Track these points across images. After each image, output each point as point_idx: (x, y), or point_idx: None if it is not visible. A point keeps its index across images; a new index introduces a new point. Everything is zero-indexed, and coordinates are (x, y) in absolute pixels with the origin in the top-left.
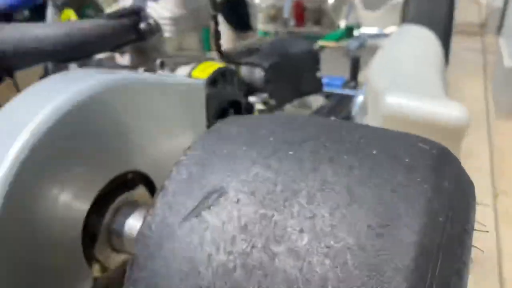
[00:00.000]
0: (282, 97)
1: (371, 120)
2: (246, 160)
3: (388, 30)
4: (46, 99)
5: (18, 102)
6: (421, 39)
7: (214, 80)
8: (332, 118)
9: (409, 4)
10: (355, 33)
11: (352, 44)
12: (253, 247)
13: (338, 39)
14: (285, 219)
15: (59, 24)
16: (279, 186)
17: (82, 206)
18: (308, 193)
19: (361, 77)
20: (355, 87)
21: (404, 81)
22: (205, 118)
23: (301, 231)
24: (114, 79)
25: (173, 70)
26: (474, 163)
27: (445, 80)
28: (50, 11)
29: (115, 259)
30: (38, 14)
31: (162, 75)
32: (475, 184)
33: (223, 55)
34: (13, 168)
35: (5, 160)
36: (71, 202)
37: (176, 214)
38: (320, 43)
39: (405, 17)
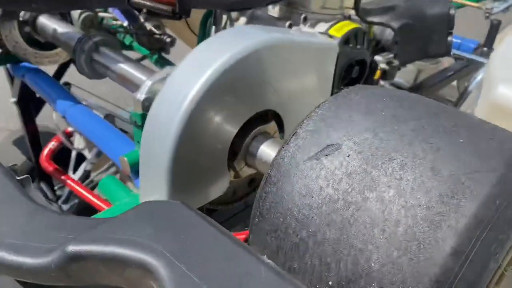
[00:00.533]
0: (407, 57)
1: (481, 101)
2: (360, 126)
3: None
4: (224, 50)
5: (204, 49)
6: None
7: (346, 40)
8: (439, 102)
9: None
10: None
11: (495, 7)
12: (353, 189)
13: None
14: (379, 176)
15: None
16: (381, 152)
17: (233, 130)
18: (401, 161)
19: (496, 43)
20: (488, 53)
21: None
22: (333, 73)
23: (389, 187)
24: (269, 38)
25: (313, 25)
26: None
27: None
28: None
29: (246, 171)
30: None
31: (304, 34)
32: None
33: (359, 14)
34: (198, 94)
35: (194, 88)
36: (227, 125)
37: (302, 153)
38: (460, 1)
39: None
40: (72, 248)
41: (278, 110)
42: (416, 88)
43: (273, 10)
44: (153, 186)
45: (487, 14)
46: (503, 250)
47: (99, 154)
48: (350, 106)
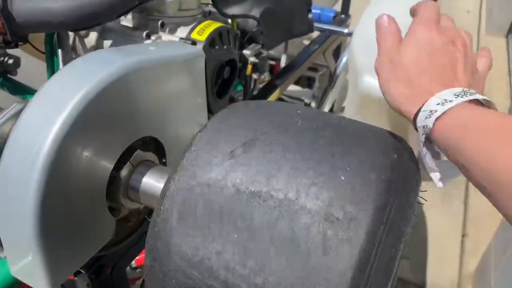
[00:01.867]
0: (274, 42)
1: (350, 88)
2: (263, 124)
3: None
4: (78, 85)
5: (55, 86)
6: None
7: (212, 42)
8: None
9: None
10: None
11: None
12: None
13: None
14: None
15: None
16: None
17: (108, 166)
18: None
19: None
20: (345, 21)
21: None
22: (204, 81)
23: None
24: (129, 63)
25: (173, 30)
26: None
27: None
28: None
29: (129, 207)
30: None
31: (165, 46)
32: None
33: (220, 10)
34: (59, 136)
35: (51, 132)
36: (100, 163)
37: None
38: None
39: None
40: None
41: (155, 134)
42: (292, 66)
43: (126, 19)
44: (22, 253)
45: None
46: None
47: None
48: (244, 114)
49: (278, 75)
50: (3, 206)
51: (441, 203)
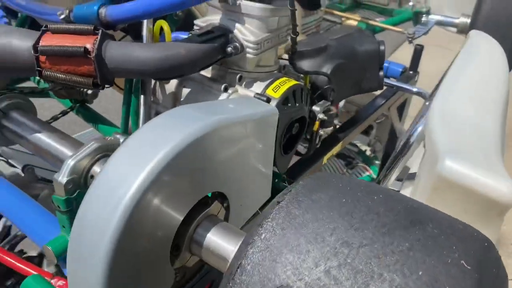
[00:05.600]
0: (342, 96)
1: (425, 167)
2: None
3: (458, 20)
4: (164, 140)
5: (146, 136)
6: (488, 65)
7: (285, 99)
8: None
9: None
10: (424, 18)
11: (417, 31)
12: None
13: (400, 22)
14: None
15: (158, 46)
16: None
17: (179, 217)
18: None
19: (421, 67)
20: (413, 77)
21: (464, 139)
22: (274, 138)
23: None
24: (211, 123)
25: (249, 84)
26: None
27: (505, 115)
28: (145, 27)
29: (191, 261)
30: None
31: (243, 103)
32: None
33: (296, 68)
34: (143, 187)
35: (137, 181)
36: (171, 216)
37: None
38: (381, 25)
39: (477, 11)
40: None
41: (223, 190)
42: (357, 120)
43: (205, 70)
44: None
45: (410, 39)
46: None
47: None
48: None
49: (342, 128)
50: (79, 250)
51: None
